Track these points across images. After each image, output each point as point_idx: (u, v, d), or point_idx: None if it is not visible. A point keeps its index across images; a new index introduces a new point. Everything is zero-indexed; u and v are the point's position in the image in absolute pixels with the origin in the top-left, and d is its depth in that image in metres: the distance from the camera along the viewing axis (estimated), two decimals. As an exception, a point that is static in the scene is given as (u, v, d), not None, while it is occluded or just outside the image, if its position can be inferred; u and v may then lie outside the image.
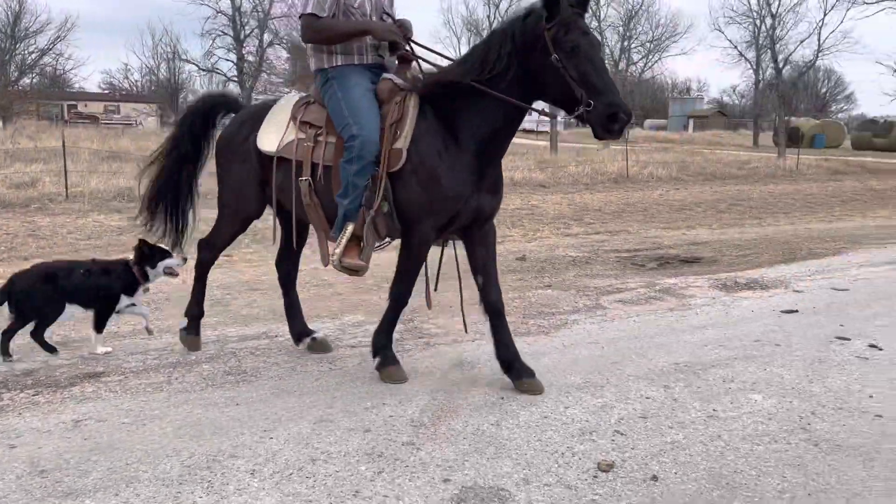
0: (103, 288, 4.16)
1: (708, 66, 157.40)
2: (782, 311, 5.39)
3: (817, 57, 38.89)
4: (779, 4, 40.60)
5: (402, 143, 3.55)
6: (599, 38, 3.48)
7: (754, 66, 43.41)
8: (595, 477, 2.88)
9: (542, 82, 3.42)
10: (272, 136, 3.87)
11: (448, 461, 2.97)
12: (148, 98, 51.44)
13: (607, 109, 3.22)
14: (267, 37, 25.12)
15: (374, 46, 3.82)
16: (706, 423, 3.39)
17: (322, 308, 5.36)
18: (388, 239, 3.79)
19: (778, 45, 40.37)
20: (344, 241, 3.60)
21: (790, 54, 40.14)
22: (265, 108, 4.08)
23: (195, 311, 4.30)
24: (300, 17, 3.73)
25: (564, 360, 4.24)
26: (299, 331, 4.41)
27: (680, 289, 6.15)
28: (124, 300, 4.22)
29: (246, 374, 3.94)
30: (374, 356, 3.89)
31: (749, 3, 42.90)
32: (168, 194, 4.29)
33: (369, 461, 2.96)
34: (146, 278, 4.24)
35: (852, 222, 11.39)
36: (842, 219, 11.86)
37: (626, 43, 45.74)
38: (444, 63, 3.94)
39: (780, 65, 38.99)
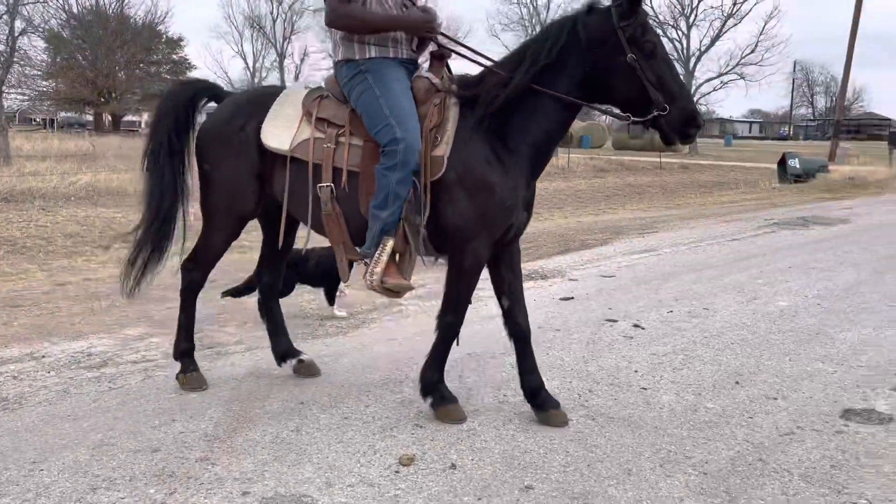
0: (333, 269, 4.33)
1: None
2: (560, 299, 5.85)
3: (581, 64, 42.37)
4: (546, 14, 43.84)
5: (444, 149, 3.19)
6: None
7: (528, 71, 46.55)
8: (397, 472, 2.92)
9: (610, 83, 3.19)
10: (282, 132, 3.37)
11: (246, 473, 2.86)
12: None
13: (684, 114, 3.09)
14: (19, 24, 22.50)
15: (408, 39, 3.45)
16: (498, 408, 3.58)
17: (97, 323, 4.92)
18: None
19: (548, 53, 43.43)
20: (385, 258, 3.21)
21: (558, 61, 43.43)
22: (261, 97, 3.59)
23: (184, 346, 3.78)
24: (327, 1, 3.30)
25: (364, 360, 4.26)
26: (284, 350, 3.98)
27: (470, 282, 6.42)
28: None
29: (8, 402, 3.51)
30: (426, 396, 3.43)
31: (521, 12, 45.82)
32: (167, 198, 3.68)
33: (159, 483, 2.77)
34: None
35: (615, 215, 12.63)
36: (607, 212, 13.10)
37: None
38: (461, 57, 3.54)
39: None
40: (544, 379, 3.96)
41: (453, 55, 3.47)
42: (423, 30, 3.36)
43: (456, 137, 3.22)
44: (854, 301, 5.96)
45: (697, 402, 3.71)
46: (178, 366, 3.78)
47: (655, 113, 3.08)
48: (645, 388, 3.89)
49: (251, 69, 53.29)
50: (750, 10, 41.85)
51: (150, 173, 3.69)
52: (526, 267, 7.11)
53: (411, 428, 3.33)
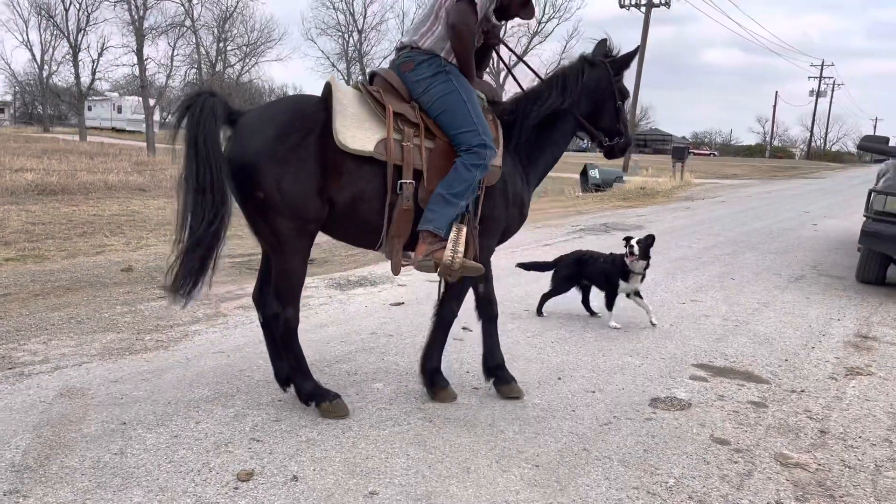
0: (611, 274, 5.58)
1: (304, 73, 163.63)
2: (391, 304, 5.91)
3: (399, 73, 43.21)
4: (364, 21, 44.13)
5: (499, 161, 3.65)
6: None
7: (345, 77, 46.51)
8: (236, 489, 2.82)
9: (603, 118, 4.02)
10: (359, 133, 3.35)
11: (66, 504, 2.62)
12: None
13: (630, 142, 4.20)
14: None
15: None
16: (337, 416, 3.56)
17: None
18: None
19: (366, 59, 43.90)
20: (462, 241, 3.50)
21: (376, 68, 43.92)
22: (303, 107, 3.42)
23: (311, 386, 3.58)
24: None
25: (190, 374, 4.04)
26: (287, 374, 3.72)
27: (297, 290, 6.30)
28: (622, 285, 5.56)
29: None
30: (428, 384, 3.87)
31: (338, 17, 45.77)
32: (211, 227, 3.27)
33: (-40, 524, 2.45)
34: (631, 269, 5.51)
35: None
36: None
37: (221, 45, 44.98)
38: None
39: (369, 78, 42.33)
40: (382, 384, 4.00)
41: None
42: (489, 96, 3.90)
43: (503, 152, 3.71)
44: (652, 299, 6.56)
45: (526, 399, 3.92)
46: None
47: (617, 140, 4.08)
48: (477, 388, 4.05)
49: (38, 62, 48.41)
50: (553, 30, 44.75)
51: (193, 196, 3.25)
52: (355, 273, 7.14)
53: (248, 442, 3.22)
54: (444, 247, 3.47)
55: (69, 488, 2.74)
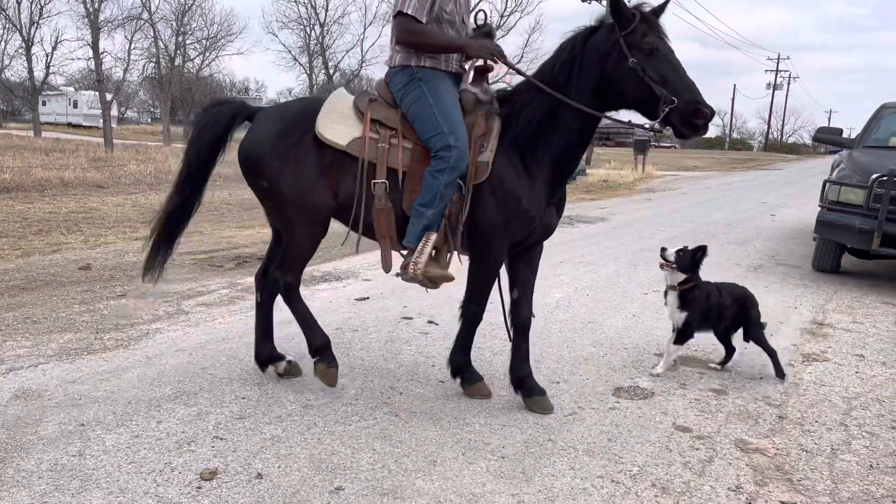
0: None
1: (266, 67, 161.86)
2: (356, 299, 5.88)
3: (361, 66, 43.01)
4: (326, 15, 43.75)
5: (489, 156, 3.47)
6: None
7: (308, 71, 46.05)
8: (199, 488, 2.78)
9: (619, 88, 3.35)
10: (338, 128, 3.54)
11: (22, 509, 2.56)
12: None
13: (690, 106, 3.16)
14: None
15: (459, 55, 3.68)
16: (302, 413, 3.53)
17: None
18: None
19: (328, 53, 43.54)
20: (428, 250, 3.43)
21: (339, 62, 43.69)
22: (308, 109, 3.66)
23: (321, 341, 3.76)
24: (397, 16, 3.49)
25: (151, 373, 3.97)
26: (269, 355, 4.03)
27: (261, 286, 6.23)
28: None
29: None
30: (455, 376, 3.90)
31: (299, 10, 45.27)
32: (181, 222, 3.89)
33: (-90, 532, 2.38)
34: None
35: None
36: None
37: (180, 38, 44.16)
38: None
39: (331, 71, 42.09)
40: (346, 379, 3.98)
41: (493, 69, 3.68)
42: (484, 53, 3.50)
43: (498, 148, 3.50)
44: (616, 291, 6.66)
45: (491, 391, 3.93)
46: None
47: (666, 109, 3.17)
48: (443, 382, 4.05)
49: (-10, 55, 47.01)
50: (515, 24, 44.82)
51: (180, 189, 3.80)
52: (319, 269, 7.08)
53: (211, 441, 3.18)
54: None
55: (26, 492, 2.68)
